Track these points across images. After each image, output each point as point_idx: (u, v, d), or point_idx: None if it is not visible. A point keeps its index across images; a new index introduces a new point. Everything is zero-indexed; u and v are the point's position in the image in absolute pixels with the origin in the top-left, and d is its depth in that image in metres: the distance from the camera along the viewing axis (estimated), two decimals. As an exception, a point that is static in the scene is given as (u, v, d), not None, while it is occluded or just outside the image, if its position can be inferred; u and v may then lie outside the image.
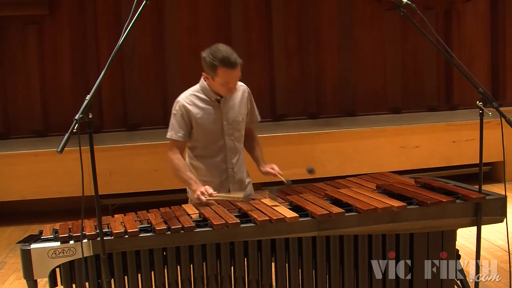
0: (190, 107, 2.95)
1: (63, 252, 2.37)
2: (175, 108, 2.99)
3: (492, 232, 4.44)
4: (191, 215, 2.62)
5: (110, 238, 2.40)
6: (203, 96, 2.98)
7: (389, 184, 2.97)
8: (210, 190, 2.80)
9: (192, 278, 2.49)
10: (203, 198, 2.78)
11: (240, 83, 3.06)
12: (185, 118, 2.96)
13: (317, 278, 2.57)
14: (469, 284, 2.84)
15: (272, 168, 3.05)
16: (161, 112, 6.62)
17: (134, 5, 2.24)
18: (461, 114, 6.85)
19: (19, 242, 2.45)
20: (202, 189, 2.80)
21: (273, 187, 2.96)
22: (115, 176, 5.52)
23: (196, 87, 3.02)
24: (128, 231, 2.40)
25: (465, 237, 4.27)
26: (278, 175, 2.99)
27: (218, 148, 3.03)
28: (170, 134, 3.00)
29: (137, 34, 6.34)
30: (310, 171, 2.95)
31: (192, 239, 2.44)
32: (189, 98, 2.98)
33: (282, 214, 2.50)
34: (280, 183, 2.97)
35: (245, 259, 2.51)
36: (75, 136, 2.06)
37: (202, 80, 3.00)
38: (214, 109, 2.98)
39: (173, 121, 3.00)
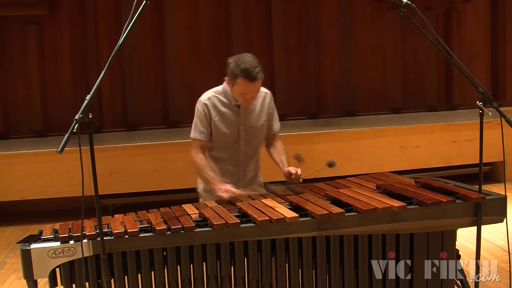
0: (211, 109, 2.98)
1: (63, 252, 2.37)
2: (198, 108, 3.02)
3: (492, 232, 4.44)
4: (191, 215, 2.62)
5: (110, 238, 2.40)
6: (224, 99, 3.00)
7: (389, 184, 2.97)
8: (232, 189, 2.83)
9: (192, 278, 2.49)
10: (225, 196, 2.79)
11: (263, 89, 3.07)
12: (207, 118, 2.99)
13: (317, 278, 2.57)
14: (469, 284, 2.84)
15: (296, 170, 2.98)
16: (161, 112, 6.62)
17: (134, 5, 2.24)
18: (461, 114, 6.85)
19: (19, 242, 2.45)
20: (223, 188, 2.82)
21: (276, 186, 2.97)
22: (115, 176, 5.52)
23: (219, 89, 3.04)
24: (128, 231, 2.40)
25: (465, 237, 4.27)
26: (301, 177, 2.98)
27: (232, 152, 3.05)
28: (193, 134, 3.02)
29: (137, 34, 6.34)
30: (330, 164, 2.96)
31: (192, 239, 2.44)
32: (210, 100, 3.00)
33: (282, 214, 2.50)
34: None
35: (245, 259, 2.51)
36: (75, 136, 2.06)
37: (225, 83, 3.01)
38: (233, 113, 3.00)
39: (196, 121, 3.02)
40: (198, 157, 2.98)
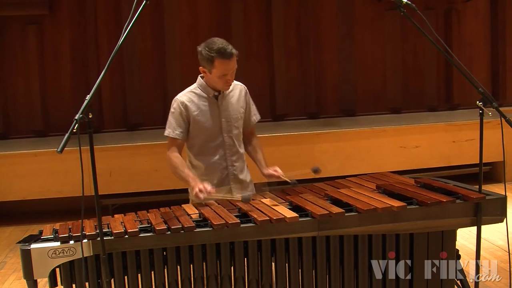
0: (188, 104, 2.96)
1: (63, 252, 2.38)
2: (173, 106, 3.00)
3: (492, 232, 4.44)
4: (191, 215, 2.62)
5: (110, 238, 2.40)
6: (201, 93, 3.00)
7: (389, 184, 2.97)
8: (209, 188, 2.75)
9: (192, 278, 2.49)
10: (201, 196, 2.72)
11: (237, 82, 3.09)
12: (183, 116, 2.97)
13: (317, 278, 2.58)
14: (469, 284, 2.84)
15: (275, 171, 3.02)
16: (161, 112, 6.60)
17: (134, 5, 2.25)
18: (461, 114, 6.84)
19: (19, 242, 2.45)
20: (201, 186, 2.73)
21: (274, 187, 2.97)
22: (115, 176, 5.52)
23: (194, 85, 3.05)
24: (128, 231, 2.41)
25: (465, 237, 4.27)
26: (282, 177, 2.98)
27: (216, 146, 3.03)
28: (167, 132, 2.99)
29: (137, 34, 6.33)
30: (316, 171, 2.96)
31: (192, 239, 2.44)
32: (187, 96, 3.00)
33: (282, 214, 2.50)
34: (284, 183, 2.97)
35: (245, 259, 2.52)
36: (75, 136, 2.06)
37: (199, 78, 3.03)
38: (212, 105, 2.99)
39: (170, 119, 3.00)
40: (173, 155, 2.95)
